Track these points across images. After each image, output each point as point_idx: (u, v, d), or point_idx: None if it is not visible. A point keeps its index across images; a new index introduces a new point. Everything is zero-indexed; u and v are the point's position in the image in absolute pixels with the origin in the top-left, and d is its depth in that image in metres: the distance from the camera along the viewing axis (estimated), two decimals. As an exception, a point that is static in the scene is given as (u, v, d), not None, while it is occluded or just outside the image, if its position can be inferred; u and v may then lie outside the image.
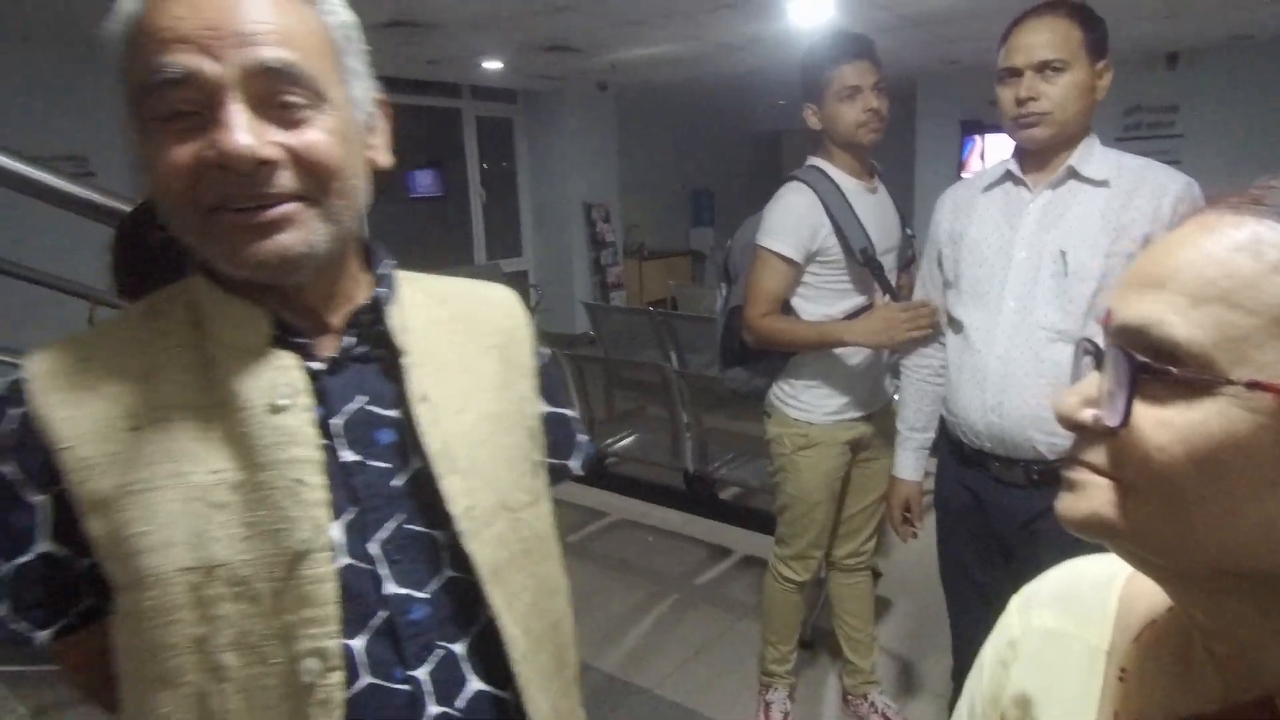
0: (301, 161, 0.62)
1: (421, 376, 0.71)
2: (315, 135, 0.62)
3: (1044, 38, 1.45)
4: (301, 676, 0.62)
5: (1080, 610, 0.58)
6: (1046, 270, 1.49)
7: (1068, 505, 0.47)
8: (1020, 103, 1.48)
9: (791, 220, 1.91)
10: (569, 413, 0.89)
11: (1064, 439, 1.43)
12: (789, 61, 6.77)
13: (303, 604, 0.62)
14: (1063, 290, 1.47)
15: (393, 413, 0.71)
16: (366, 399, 0.70)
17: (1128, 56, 6.09)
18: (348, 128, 0.66)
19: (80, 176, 1.29)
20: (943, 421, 1.74)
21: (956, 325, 1.65)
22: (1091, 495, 0.45)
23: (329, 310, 0.71)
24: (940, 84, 7.40)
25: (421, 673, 0.68)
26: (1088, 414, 0.46)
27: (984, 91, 7.80)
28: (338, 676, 0.63)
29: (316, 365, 0.68)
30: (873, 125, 1.90)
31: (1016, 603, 0.64)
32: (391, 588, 0.67)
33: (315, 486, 0.64)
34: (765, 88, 7.15)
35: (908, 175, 7.68)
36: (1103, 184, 1.47)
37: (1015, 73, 1.48)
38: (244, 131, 0.59)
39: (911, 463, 1.84)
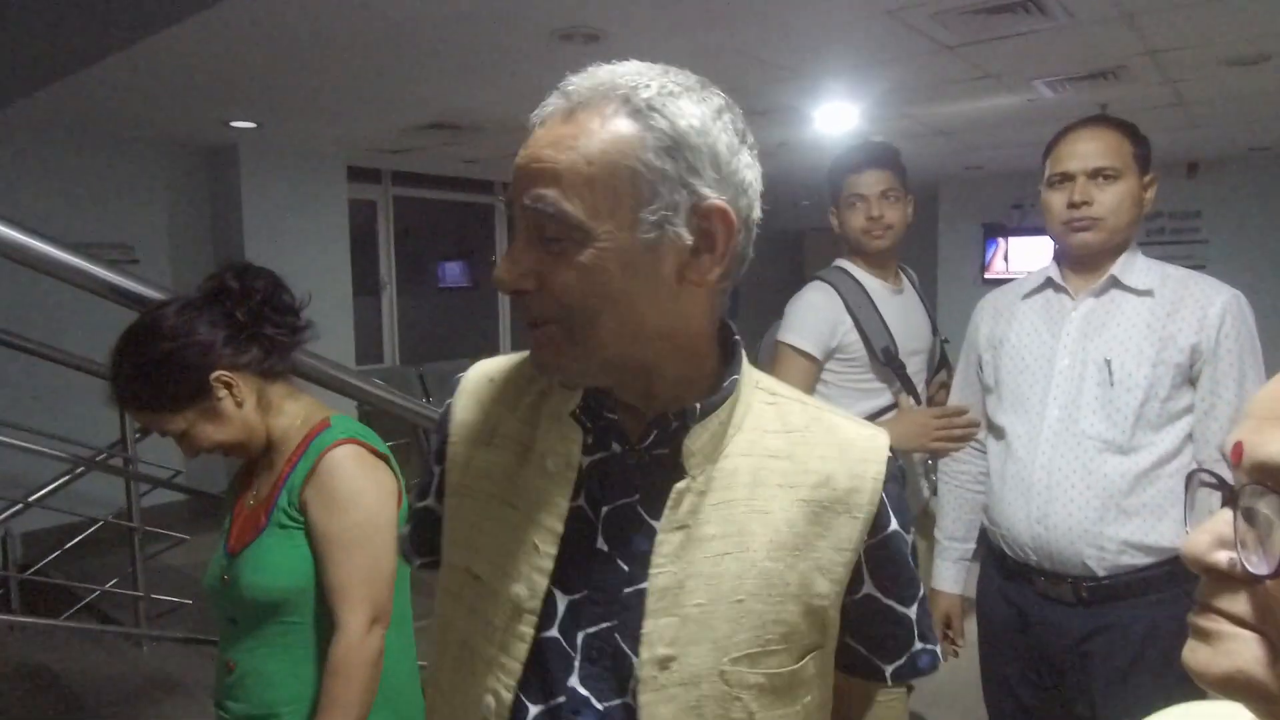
0: (551, 292, 0.66)
1: (696, 505, 0.68)
2: (563, 269, 0.65)
3: (1097, 145, 1.48)
4: (481, 708, 0.71)
5: None
6: (1091, 379, 1.48)
7: (1204, 660, 0.42)
8: (1074, 206, 1.49)
9: (811, 317, 1.93)
10: (906, 611, 0.74)
11: (1115, 554, 1.43)
12: (812, 165, 6.94)
13: (505, 648, 0.70)
14: (1109, 400, 1.46)
15: (655, 523, 0.69)
16: (638, 497, 0.70)
17: (1147, 165, 6.19)
18: (615, 257, 0.64)
19: (123, 264, 1.34)
20: (984, 531, 1.68)
21: (998, 432, 1.62)
22: (1233, 650, 0.40)
23: (652, 403, 0.71)
24: (963, 188, 7.54)
25: None
26: (1222, 557, 0.41)
27: (1006, 196, 7.89)
28: None
29: (605, 452, 0.71)
30: (875, 232, 1.94)
31: None
32: (575, 682, 0.69)
33: (544, 555, 0.70)
34: (789, 189, 7.34)
35: (930, 278, 7.75)
36: (1146, 293, 1.47)
37: (1068, 177, 1.50)
38: (504, 262, 0.67)
39: (952, 574, 1.75)
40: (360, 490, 1.18)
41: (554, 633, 0.69)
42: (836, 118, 4.52)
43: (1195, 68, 3.66)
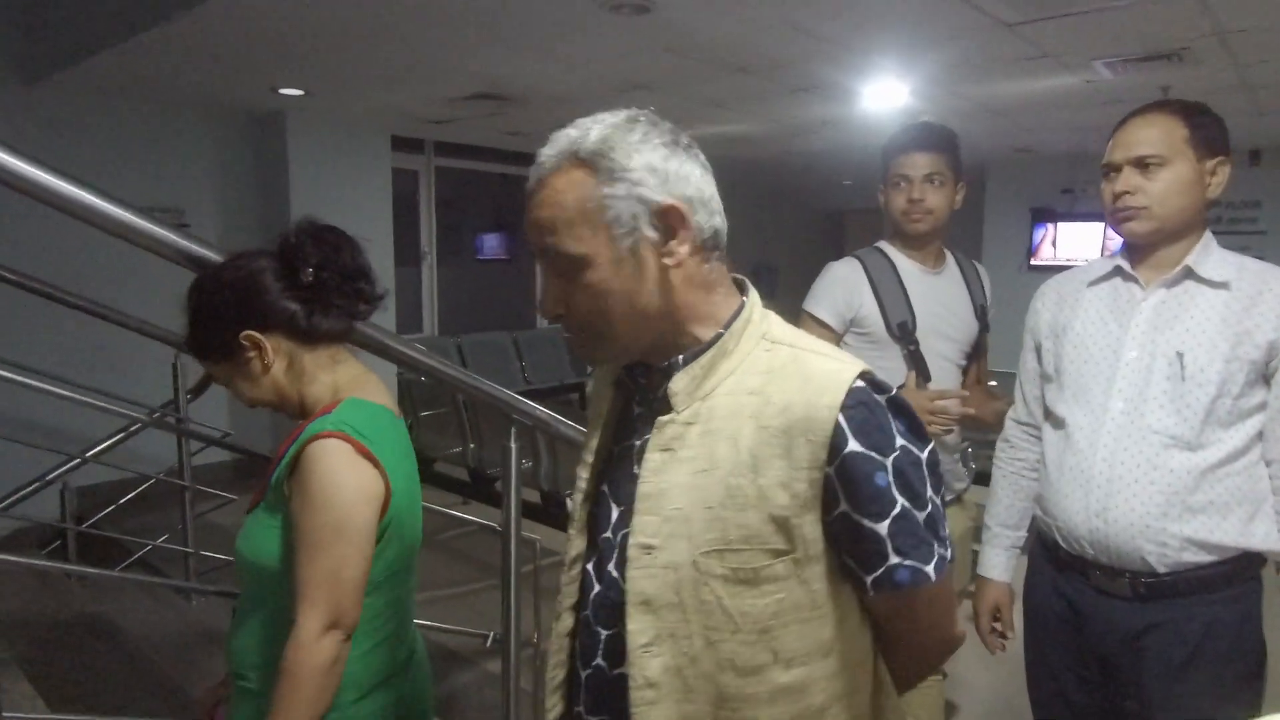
0: (575, 311, 0.88)
1: (681, 433, 0.87)
2: (578, 292, 0.86)
3: (1144, 134, 1.46)
4: (564, 590, 1.01)
5: None
6: (1160, 372, 1.44)
7: None
8: (1116, 196, 1.48)
9: (831, 288, 1.99)
10: (874, 527, 0.82)
11: (1177, 550, 1.41)
12: (856, 144, 6.85)
13: (570, 546, 1.01)
14: (1179, 394, 1.42)
15: None
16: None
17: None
18: (607, 270, 0.85)
19: (177, 227, 1.37)
20: (1034, 521, 1.65)
21: (1057, 422, 1.58)
22: None
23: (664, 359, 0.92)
24: (1011, 171, 7.37)
25: (604, 634, 0.93)
26: None
27: (1057, 180, 7.70)
28: (561, 598, 1.00)
29: (645, 407, 0.94)
30: (914, 215, 1.94)
31: None
32: (612, 568, 0.92)
33: (583, 480, 0.99)
34: (832, 168, 7.23)
35: (975, 260, 7.59)
36: (1222, 286, 1.43)
37: (1114, 168, 1.49)
38: (545, 298, 0.89)
39: (1002, 562, 1.71)
40: (335, 489, 1.10)
41: (609, 534, 0.94)
42: (884, 95, 4.43)
43: (1264, 49, 3.52)
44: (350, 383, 1.25)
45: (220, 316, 1.18)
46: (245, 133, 5.47)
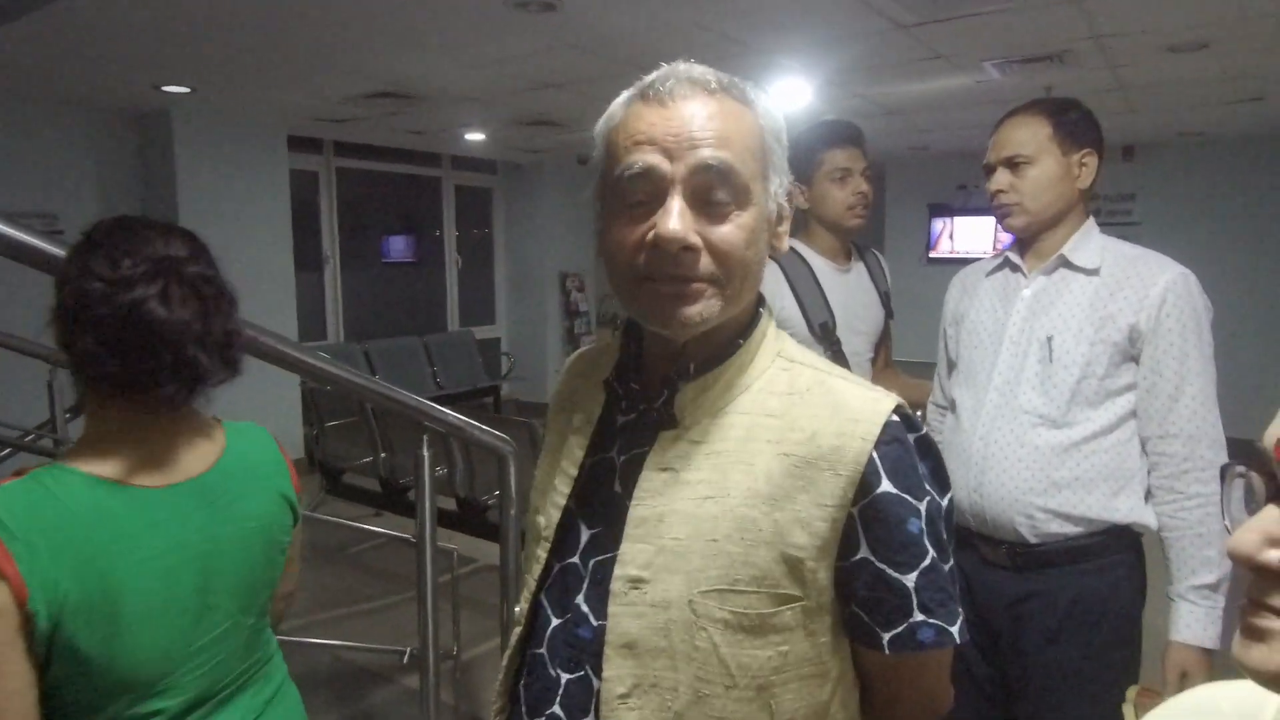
0: (715, 251, 0.74)
1: (687, 452, 0.77)
2: (730, 231, 0.74)
3: (1012, 135, 1.56)
4: (515, 616, 0.86)
5: None
6: (1033, 355, 1.53)
7: (1259, 658, 0.41)
8: (993, 195, 1.59)
9: None
10: (902, 579, 0.73)
11: (1044, 522, 1.47)
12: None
13: (530, 568, 0.85)
14: (1047, 376, 1.50)
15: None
16: (647, 449, 0.79)
17: (1087, 148, 6.35)
18: (760, 221, 0.76)
19: (49, 234, 1.26)
20: None
21: (952, 405, 1.68)
22: None
23: (677, 365, 0.81)
24: (910, 169, 7.65)
25: (566, 678, 0.79)
26: (1273, 555, 0.41)
27: (952, 176, 8.00)
28: (519, 631, 0.85)
29: (635, 414, 0.82)
30: (858, 210, 1.97)
31: None
32: (580, 600, 0.79)
33: (560, 494, 0.84)
34: (740, 167, 7.35)
35: (878, 255, 7.85)
36: (1094, 272, 1.51)
37: (990, 168, 1.59)
38: (676, 219, 0.72)
39: None
40: None
41: (575, 559, 0.82)
42: (790, 95, 4.52)
43: (1137, 53, 3.75)
44: (88, 446, 0.97)
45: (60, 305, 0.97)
46: (127, 133, 5.16)
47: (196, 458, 1.02)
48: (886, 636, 0.75)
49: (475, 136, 6.25)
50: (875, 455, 0.73)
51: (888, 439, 0.74)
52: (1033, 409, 1.51)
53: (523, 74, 4.13)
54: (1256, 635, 0.41)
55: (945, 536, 0.76)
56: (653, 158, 0.73)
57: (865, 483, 0.72)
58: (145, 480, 0.97)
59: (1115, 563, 1.48)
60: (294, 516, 1.15)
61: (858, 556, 0.74)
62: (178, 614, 0.97)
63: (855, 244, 2.13)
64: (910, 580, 0.74)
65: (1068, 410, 1.48)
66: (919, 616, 0.74)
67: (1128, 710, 1.34)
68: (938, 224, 7.54)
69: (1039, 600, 1.50)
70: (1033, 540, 1.49)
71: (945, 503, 0.77)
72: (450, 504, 3.53)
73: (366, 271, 7.25)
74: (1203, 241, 6.44)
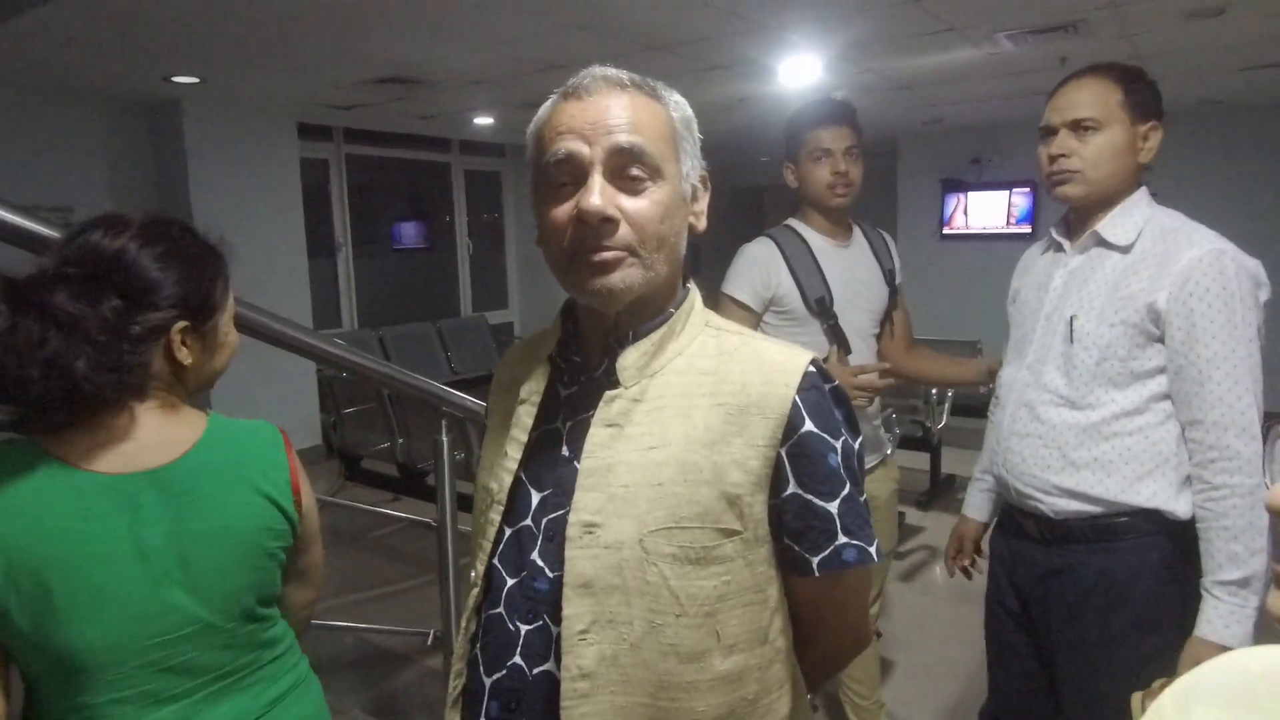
0: (633, 222, 0.82)
1: (628, 409, 0.85)
2: (645, 203, 0.83)
3: (1080, 96, 1.46)
4: (469, 581, 0.92)
5: (1257, 707, 0.52)
6: (1059, 335, 1.50)
7: None
8: (1052, 159, 1.48)
9: (747, 269, 2.00)
10: (826, 505, 0.84)
11: (1060, 500, 1.47)
12: (774, 121, 6.88)
13: (484, 533, 0.91)
14: (1069, 357, 1.47)
15: None
16: (593, 413, 0.87)
17: (1102, 119, 6.25)
18: (673, 198, 0.85)
19: (66, 227, 1.27)
20: None
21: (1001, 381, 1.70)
22: None
23: (614, 334, 0.89)
24: (922, 143, 7.57)
25: (525, 629, 0.85)
26: None
27: (965, 151, 7.86)
28: (476, 592, 0.91)
29: (577, 386, 0.91)
30: (839, 189, 1.96)
31: (1170, 700, 0.57)
32: (535, 556, 0.86)
33: (511, 459, 0.91)
34: (750, 145, 7.29)
35: (890, 232, 7.78)
36: (1126, 250, 1.45)
37: (1050, 130, 1.49)
38: (597, 195, 0.81)
39: (976, 502, 1.80)
40: None
41: (528, 521, 0.88)
42: (799, 71, 4.48)
43: (1154, 20, 3.68)
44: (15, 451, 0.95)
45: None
46: (138, 124, 5.18)
47: (161, 449, 1.00)
48: (815, 560, 0.85)
49: (484, 120, 6.23)
50: (798, 399, 0.83)
51: (807, 386, 0.84)
52: (1055, 389, 1.49)
53: (530, 56, 4.11)
54: None
55: (858, 472, 0.87)
56: (574, 144, 0.82)
57: (790, 424, 0.83)
58: (97, 466, 0.95)
59: (1143, 545, 1.42)
60: (288, 523, 1.08)
61: (788, 491, 0.84)
62: (121, 605, 0.94)
63: (859, 222, 2.14)
64: (833, 507, 0.84)
65: (1089, 392, 1.44)
66: (843, 539, 0.85)
67: (1135, 700, 1.27)
68: (951, 200, 7.46)
69: (1064, 576, 1.49)
70: (1053, 516, 1.49)
71: (857, 445, 0.88)
72: (468, 488, 3.55)
73: (379, 258, 7.27)
74: (1221, 211, 6.30)
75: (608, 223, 0.81)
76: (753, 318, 1.99)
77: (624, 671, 0.81)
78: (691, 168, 0.88)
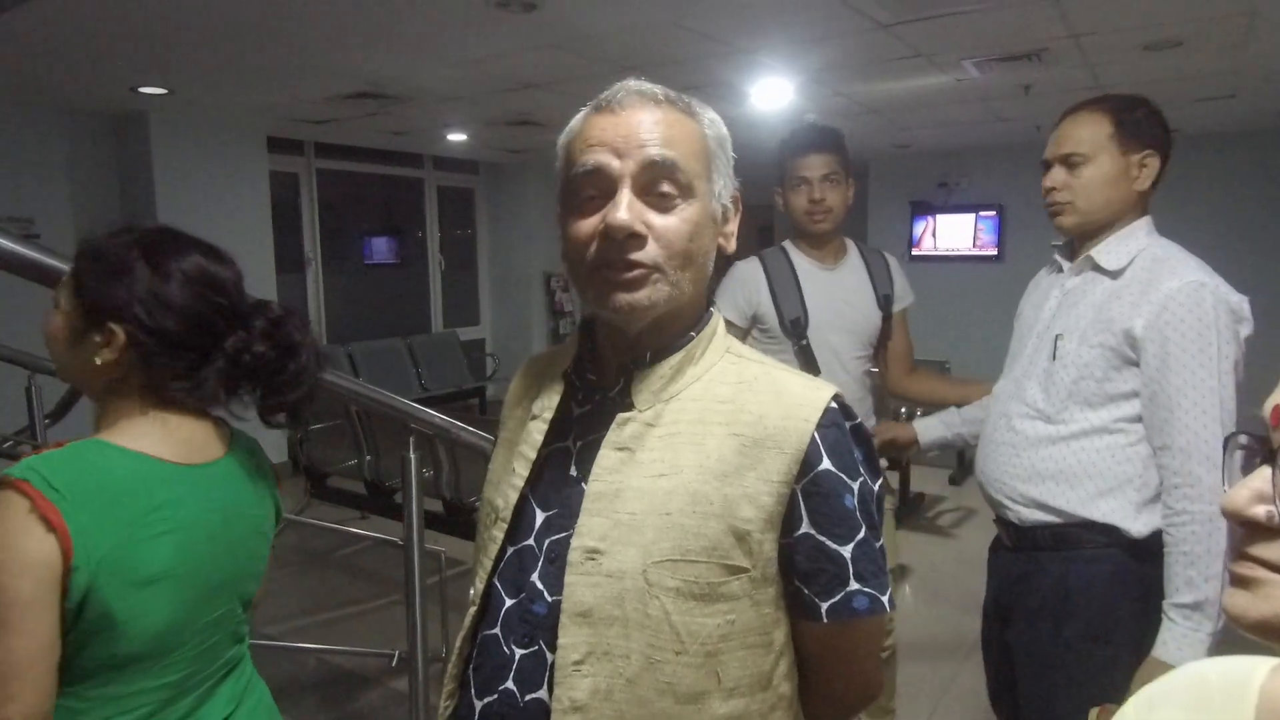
0: (660, 239, 0.80)
1: (641, 433, 0.82)
2: (674, 220, 0.81)
3: (1071, 131, 1.52)
4: (469, 598, 0.89)
5: (1214, 711, 0.54)
6: (1045, 353, 1.56)
7: (1242, 605, 0.45)
8: (1047, 192, 1.56)
9: (732, 286, 2.08)
10: (839, 549, 0.79)
11: (1025, 507, 1.52)
12: (745, 142, 6.94)
13: (485, 550, 0.89)
14: (1050, 374, 1.53)
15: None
16: (603, 433, 0.84)
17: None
18: (703, 217, 0.83)
19: (25, 238, 1.25)
20: None
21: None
22: (1271, 595, 0.43)
23: (631, 354, 0.87)
24: (892, 166, 7.69)
25: (520, 653, 0.82)
26: (1260, 510, 0.44)
27: (933, 174, 7.99)
28: (473, 611, 0.88)
29: (591, 404, 0.88)
30: (816, 215, 2.03)
31: (1134, 707, 0.59)
32: (535, 578, 0.83)
33: (518, 476, 0.88)
34: (723, 166, 7.36)
35: (860, 252, 7.87)
36: (1116, 275, 1.49)
37: (1046, 164, 1.57)
38: (624, 210, 0.79)
39: (929, 422, 1.91)
40: None
41: (530, 541, 0.86)
42: (771, 94, 4.54)
43: (1113, 51, 3.79)
44: (123, 423, 1.04)
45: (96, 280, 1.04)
46: (103, 135, 5.10)
47: (210, 448, 1.09)
48: (825, 605, 0.80)
49: (457, 137, 6.22)
50: (816, 436, 0.79)
51: (827, 423, 0.81)
52: (1032, 403, 1.55)
53: (503, 73, 4.12)
54: (1242, 584, 0.45)
55: (876, 516, 0.83)
56: (603, 157, 0.80)
57: (808, 460, 0.79)
58: (172, 457, 1.03)
59: (1098, 556, 1.47)
60: (277, 519, 1.20)
61: (800, 531, 0.80)
62: (187, 588, 1.01)
63: (860, 245, 2.20)
64: (847, 551, 0.80)
65: (1063, 408, 1.50)
66: (854, 585, 0.80)
67: (1092, 716, 1.32)
68: (920, 222, 7.58)
69: (1028, 581, 1.56)
70: (1019, 524, 1.55)
71: (876, 487, 0.83)
72: (437, 506, 3.52)
73: (349, 273, 7.21)
74: (1176, 237, 6.50)
75: (634, 238, 0.79)
76: (738, 334, 2.04)
77: (618, 707, 0.77)
78: (724, 187, 0.86)
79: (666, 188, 0.80)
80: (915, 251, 7.60)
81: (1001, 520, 1.62)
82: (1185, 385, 1.37)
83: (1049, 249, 1.70)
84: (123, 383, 1.04)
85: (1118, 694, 1.33)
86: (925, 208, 7.53)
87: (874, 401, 2.19)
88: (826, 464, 0.79)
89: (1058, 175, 1.53)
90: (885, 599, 0.81)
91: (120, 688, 0.98)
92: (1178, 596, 1.36)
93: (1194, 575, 1.34)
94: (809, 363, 2.03)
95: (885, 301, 2.16)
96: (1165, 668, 1.29)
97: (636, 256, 0.80)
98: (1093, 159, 1.49)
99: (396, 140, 6.40)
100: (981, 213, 7.11)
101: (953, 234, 7.38)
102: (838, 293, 2.08)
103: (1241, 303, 1.42)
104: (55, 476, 0.93)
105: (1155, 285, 1.42)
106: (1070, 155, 1.51)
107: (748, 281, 2.06)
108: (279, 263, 5.86)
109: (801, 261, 2.08)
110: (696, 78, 4.20)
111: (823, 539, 0.79)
